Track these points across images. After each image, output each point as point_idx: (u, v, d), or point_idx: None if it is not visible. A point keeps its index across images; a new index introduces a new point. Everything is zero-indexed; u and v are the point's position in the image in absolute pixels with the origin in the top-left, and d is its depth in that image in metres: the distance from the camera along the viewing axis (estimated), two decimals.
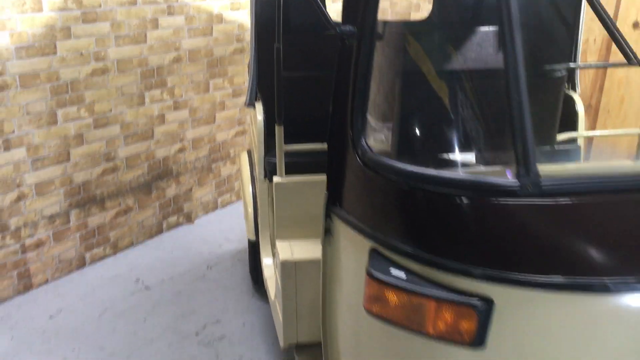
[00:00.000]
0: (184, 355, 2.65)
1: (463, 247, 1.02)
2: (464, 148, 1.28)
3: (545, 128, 1.83)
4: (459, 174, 1.11)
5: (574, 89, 2.68)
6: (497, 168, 1.15)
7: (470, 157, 1.27)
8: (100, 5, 3.02)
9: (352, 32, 1.17)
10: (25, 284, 3.10)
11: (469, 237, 1.01)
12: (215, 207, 4.07)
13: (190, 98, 3.63)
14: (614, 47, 3.77)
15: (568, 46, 2.64)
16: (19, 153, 2.89)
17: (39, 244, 3.10)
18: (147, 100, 3.40)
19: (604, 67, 3.69)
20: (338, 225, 1.27)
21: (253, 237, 2.78)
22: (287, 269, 1.89)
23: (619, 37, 1.67)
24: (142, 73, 3.33)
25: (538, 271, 0.98)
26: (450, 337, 1.04)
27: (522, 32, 1.99)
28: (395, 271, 1.08)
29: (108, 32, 3.10)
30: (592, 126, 3.97)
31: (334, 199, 1.27)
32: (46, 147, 2.99)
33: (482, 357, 1.04)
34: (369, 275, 1.10)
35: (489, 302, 1.01)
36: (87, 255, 3.36)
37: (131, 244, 3.59)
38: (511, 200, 0.99)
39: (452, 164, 1.26)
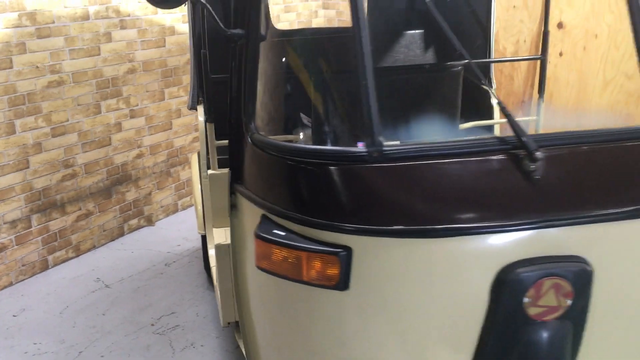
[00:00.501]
0: (140, 344, 2.83)
1: (327, 206, 1.24)
2: (328, 128, 1.52)
3: (446, 117, 2.06)
4: (321, 147, 1.34)
5: (490, 84, 2.93)
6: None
7: (335, 134, 1.51)
8: (53, 22, 3.22)
9: (240, 35, 1.39)
10: None
11: (330, 198, 1.23)
12: (175, 210, 4.26)
13: (146, 106, 3.84)
14: (541, 46, 4.06)
15: (482, 44, 2.89)
16: None
17: (1, 248, 3.27)
18: (103, 109, 3.60)
19: (503, 61, 3.96)
20: (240, 199, 1.49)
21: (203, 231, 2.98)
22: (221, 251, 2.09)
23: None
24: (97, 84, 3.53)
25: (384, 223, 1.20)
26: (321, 282, 1.26)
27: (428, 31, 2.23)
28: (276, 231, 1.30)
29: (62, 46, 3.30)
30: None
31: (235, 177, 1.49)
32: (5, 155, 3.17)
33: (347, 297, 1.26)
34: (256, 236, 1.31)
35: (348, 251, 1.23)
36: (50, 258, 3.53)
37: (93, 247, 3.77)
38: (362, 166, 1.21)
39: (319, 141, 1.50)
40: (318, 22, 5.03)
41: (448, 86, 2.11)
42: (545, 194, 1.24)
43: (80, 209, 3.63)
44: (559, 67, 4.01)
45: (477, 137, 1.44)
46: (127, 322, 3.00)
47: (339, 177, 1.22)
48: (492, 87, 2.81)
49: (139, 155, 3.89)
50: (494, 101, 2.78)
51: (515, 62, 4.25)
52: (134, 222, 3.99)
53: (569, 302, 1.25)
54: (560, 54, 3.98)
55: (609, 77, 3.82)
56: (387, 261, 1.22)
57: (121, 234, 3.93)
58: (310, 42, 1.74)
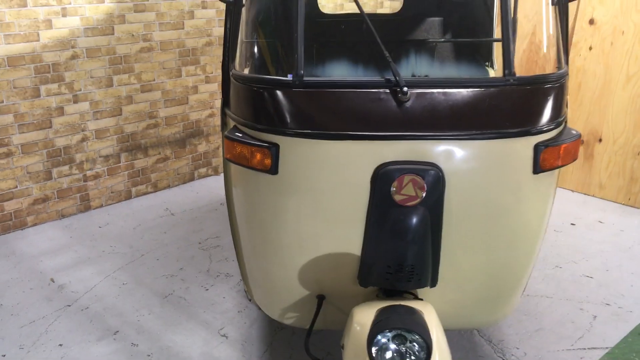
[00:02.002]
0: (187, 254, 3.61)
1: (265, 116, 1.87)
2: (272, 65, 2.14)
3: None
4: (265, 76, 1.97)
5: (492, 66, 3.39)
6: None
7: (277, 69, 2.13)
8: (147, 0, 4.07)
9: (230, 1, 2.06)
10: (85, 206, 4.18)
11: (268, 110, 1.85)
12: None
13: (219, 74, 4.62)
14: (574, 39, 4.41)
15: (488, 23, 3.26)
16: (84, 106, 3.98)
17: (96, 176, 4.18)
18: (183, 73, 4.42)
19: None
20: (228, 119, 2.16)
21: None
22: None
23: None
24: (179, 52, 4.35)
25: (299, 128, 1.81)
26: (261, 168, 1.88)
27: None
28: (237, 133, 1.95)
29: (153, 20, 4.14)
30: None
31: (225, 102, 2.15)
32: (104, 103, 4.07)
33: (278, 179, 1.88)
34: (225, 137, 1.97)
35: (277, 146, 1.85)
36: (133, 190, 4.41)
37: (168, 186, 4.62)
38: (288, 89, 1.82)
39: (266, 73, 2.13)
40: None
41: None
42: (412, 117, 1.79)
43: (159, 154, 4.48)
44: (587, 60, 4.34)
45: (369, 78, 2.01)
46: (181, 239, 3.79)
47: (273, 97, 1.85)
48: (494, 67, 3.23)
49: (211, 115, 4.68)
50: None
51: (548, 56, 4.59)
52: (203, 170, 4.80)
53: (424, 194, 1.79)
54: (590, 48, 4.31)
55: (632, 71, 4.12)
56: (300, 155, 1.83)
57: (191, 178, 4.75)
58: (268, 4, 2.35)
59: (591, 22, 4.28)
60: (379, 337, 1.69)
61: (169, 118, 4.45)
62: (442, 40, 2.47)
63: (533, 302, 3.07)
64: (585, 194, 4.45)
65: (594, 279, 3.29)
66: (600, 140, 4.34)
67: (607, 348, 2.72)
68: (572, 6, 4.41)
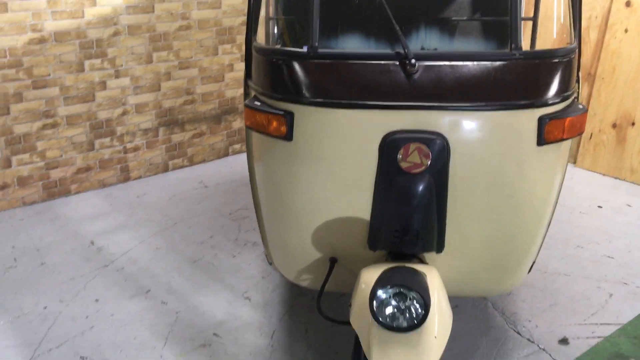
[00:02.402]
0: (217, 224, 3.78)
1: (282, 86, 1.99)
2: (290, 37, 2.24)
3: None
4: (282, 48, 2.09)
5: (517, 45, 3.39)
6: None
7: (294, 41, 2.24)
8: None
9: None
10: (125, 176, 4.41)
11: (284, 80, 1.97)
12: None
13: None
14: (610, 21, 4.37)
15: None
16: (125, 81, 4.18)
17: (136, 149, 4.40)
18: (220, 52, 4.58)
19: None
20: (250, 89, 2.29)
21: None
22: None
23: None
24: (217, 31, 4.51)
25: (312, 96, 1.92)
26: (278, 134, 2.01)
27: None
28: (256, 102, 2.07)
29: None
30: (590, 91, 4.57)
31: (247, 74, 2.28)
32: (144, 79, 4.26)
33: (292, 145, 2.00)
34: (245, 105, 2.10)
35: (292, 114, 1.96)
36: (170, 163, 4.62)
37: (203, 160, 4.81)
38: (304, 60, 1.94)
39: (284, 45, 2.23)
40: None
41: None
42: (419, 89, 1.87)
43: (195, 129, 4.67)
44: (623, 43, 4.30)
45: (380, 50, 2.10)
46: (213, 210, 3.97)
47: (289, 67, 1.97)
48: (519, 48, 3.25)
49: None
50: None
51: (585, 38, 4.55)
52: (237, 146, 4.97)
53: (428, 161, 1.88)
54: (626, 31, 4.26)
55: None
56: (313, 122, 1.94)
57: (226, 154, 4.93)
58: None
59: (627, 4, 4.23)
60: (380, 292, 1.80)
61: (205, 95, 4.63)
62: (454, 19, 2.52)
63: (550, 279, 3.13)
64: (616, 178, 4.43)
65: (615, 259, 3.31)
66: (633, 124, 4.30)
67: (620, 324, 2.76)
68: None
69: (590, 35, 4.52)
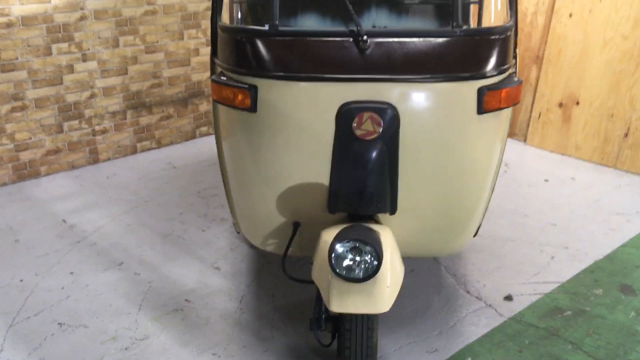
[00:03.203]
0: (186, 201, 3.93)
1: (246, 61, 2.16)
2: (253, 17, 2.43)
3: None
4: (245, 26, 2.26)
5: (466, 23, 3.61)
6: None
7: (255, 20, 2.42)
8: None
9: None
10: (94, 159, 4.51)
11: (248, 56, 2.15)
12: None
13: None
14: (556, 6, 4.63)
15: None
16: (92, 65, 4.28)
17: (104, 131, 4.50)
18: (185, 37, 4.70)
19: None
20: (216, 66, 2.45)
21: None
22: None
23: None
24: (182, 16, 4.62)
25: (274, 71, 2.10)
26: (242, 106, 2.18)
27: None
28: (222, 77, 2.25)
29: None
30: (538, 73, 4.85)
31: (213, 52, 2.45)
32: (111, 62, 4.36)
33: (257, 117, 2.18)
34: (212, 80, 2.27)
35: (255, 87, 2.14)
36: (138, 145, 4.73)
37: (171, 143, 4.93)
38: (266, 38, 2.11)
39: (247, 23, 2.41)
40: None
41: None
42: (371, 63, 2.06)
43: (163, 112, 4.79)
44: (568, 27, 4.57)
45: (335, 28, 2.29)
46: (182, 189, 4.11)
47: (252, 44, 2.14)
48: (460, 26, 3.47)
49: None
50: None
51: (534, 22, 4.82)
52: (204, 129, 5.10)
53: (380, 129, 2.08)
54: (570, 15, 4.54)
55: (608, 37, 4.36)
56: (275, 95, 2.12)
57: (193, 136, 5.06)
58: None
59: None
60: (338, 246, 1.99)
61: (172, 78, 4.75)
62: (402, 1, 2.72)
63: (498, 244, 3.38)
64: (562, 154, 4.72)
65: (558, 226, 3.59)
66: (577, 103, 4.60)
67: (559, 282, 3.02)
68: None
69: (538, 19, 4.79)
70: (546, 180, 4.25)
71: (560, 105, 4.69)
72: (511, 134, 5.09)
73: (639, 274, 3.10)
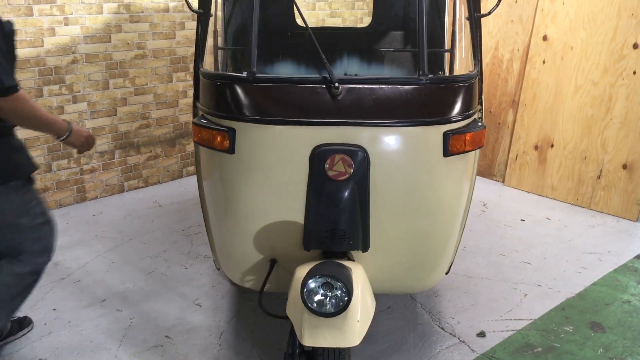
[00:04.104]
0: (170, 239, 4.01)
1: (225, 105, 2.29)
2: (232, 65, 2.57)
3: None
4: (225, 73, 2.39)
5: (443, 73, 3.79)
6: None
7: (235, 67, 2.57)
8: (142, 11, 4.52)
9: (200, 12, 2.49)
10: (81, 197, 4.60)
11: (227, 100, 2.27)
12: None
13: None
14: (530, 53, 4.84)
15: (438, 34, 3.66)
16: (82, 106, 4.41)
17: (92, 170, 4.60)
18: (174, 79, 4.86)
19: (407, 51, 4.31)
20: (198, 109, 2.58)
21: None
22: None
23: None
24: (171, 60, 4.79)
25: (251, 114, 2.23)
26: (221, 148, 2.30)
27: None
28: (202, 120, 2.37)
29: (147, 30, 4.59)
30: (515, 116, 5.02)
31: (196, 96, 2.58)
32: (101, 104, 4.50)
33: (235, 158, 2.29)
34: (193, 123, 2.39)
35: (233, 130, 2.26)
36: (126, 184, 4.83)
37: (158, 182, 5.03)
38: (244, 84, 2.24)
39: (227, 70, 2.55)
40: None
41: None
42: (343, 108, 2.19)
43: (150, 152, 4.90)
44: (541, 73, 4.77)
45: (309, 75, 2.44)
46: (166, 227, 4.20)
47: (231, 90, 2.27)
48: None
49: None
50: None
51: (510, 69, 5.02)
52: (191, 168, 5.22)
53: (351, 170, 2.20)
54: (544, 62, 4.75)
55: (579, 83, 4.55)
56: (253, 137, 2.24)
57: (180, 176, 5.17)
58: (230, 15, 2.78)
59: (544, 38, 4.72)
60: (310, 282, 2.08)
61: (160, 119, 4.88)
62: (383, 50, 2.88)
63: (473, 282, 3.47)
64: (539, 195, 4.86)
65: (532, 265, 3.69)
66: (552, 145, 4.76)
67: (531, 319, 3.11)
68: (528, 23, 4.86)
69: (513, 66, 4.99)
70: (522, 220, 4.37)
71: (536, 147, 4.85)
72: (489, 175, 5.24)
73: (608, 311, 3.19)
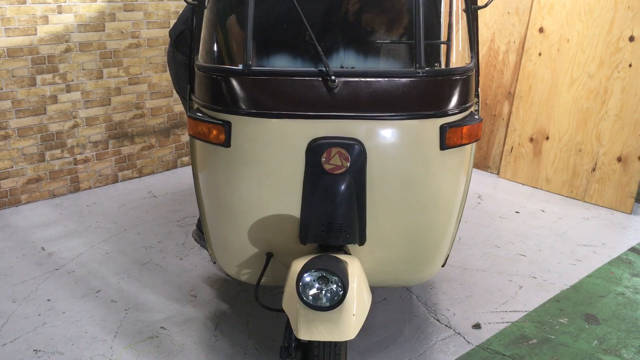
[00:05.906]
0: (165, 230, 4.00)
1: (220, 99, 2.27)
2: (228, 56, 2.55)
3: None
4: (221, 66, 2.37)
5: (439, 66, 3.77)
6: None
7: (230, 59, 2.55)
8: (136, 0, 4.47)
9: (194, 3, 2.46)
10: (75, 187, 4.57)
11: (222, 94, 2.25)
12: None
13: None
14: (526, 46, 4.83)
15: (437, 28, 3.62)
16: (76, 95, 4.37)
17: (86, 160, 4.57)
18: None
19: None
20: (192, 102, 2.56)
21: None
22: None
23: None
24: (165, 49, 4.74)
25: (247, 107, 2.21)
26: (217, 141, 2.28)
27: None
28: (198, 113, 2.35)
29: (142, 18, 4.55)
30: (510, 109, 5.02)
31: (191, 89, 2.56)
32: (94, 93, 4.46)
33: (231, 151, 2.28)
34: (188, 116, 2.37)
35: (229, 123, 2.25)
36: (120, 175, 4.80)
37: (152, 172, 5.01)
38: (240, 77, 2.23)
39: (222, 63, 2.53)
40: None
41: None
42: (339, 101, 2.18)
43: (145, 142, 4.88)
44: (537, 65, 4.76)
45: (306, 68, 2.43)
46: (161, 218, 4.18)
47: (227, 83, 2.25)
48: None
49: None
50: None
51: (505, 60, 5.01)
52: (185, 159, 5.19)
53: (348, 164, 2.19)
54: (540, 54, 4.73)
55: (575, 75, 4.55)
56: (248, 131, 2.23)
57: (174, 166, 5.14)
58: (226, 7, 2.75)
59: (541, 30, 4.71)
60: (306, 276, 2.08)
61: (155, 109, 4.85)
62: (378, 41, 2.85)
63: (469, 274, 3.48)
64: (533, 187, 4.87)
65: (527, 257, 3.70)
66: (547, 138, 4.76)
67: (526, 311, 3.12)
68: (524, 15, 4.84)
69: (509, 58, 4.98)
70: (517, 212, 4.38)
71: (531, 139, 4.85)
72: (485, 167, 5.24)
73: (602, 303, 3.21)
